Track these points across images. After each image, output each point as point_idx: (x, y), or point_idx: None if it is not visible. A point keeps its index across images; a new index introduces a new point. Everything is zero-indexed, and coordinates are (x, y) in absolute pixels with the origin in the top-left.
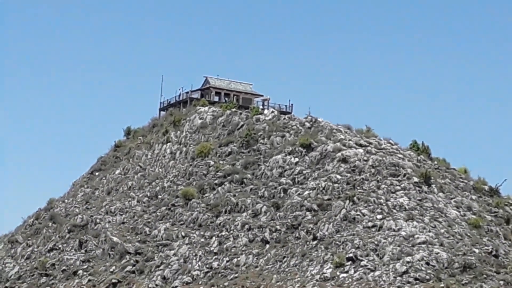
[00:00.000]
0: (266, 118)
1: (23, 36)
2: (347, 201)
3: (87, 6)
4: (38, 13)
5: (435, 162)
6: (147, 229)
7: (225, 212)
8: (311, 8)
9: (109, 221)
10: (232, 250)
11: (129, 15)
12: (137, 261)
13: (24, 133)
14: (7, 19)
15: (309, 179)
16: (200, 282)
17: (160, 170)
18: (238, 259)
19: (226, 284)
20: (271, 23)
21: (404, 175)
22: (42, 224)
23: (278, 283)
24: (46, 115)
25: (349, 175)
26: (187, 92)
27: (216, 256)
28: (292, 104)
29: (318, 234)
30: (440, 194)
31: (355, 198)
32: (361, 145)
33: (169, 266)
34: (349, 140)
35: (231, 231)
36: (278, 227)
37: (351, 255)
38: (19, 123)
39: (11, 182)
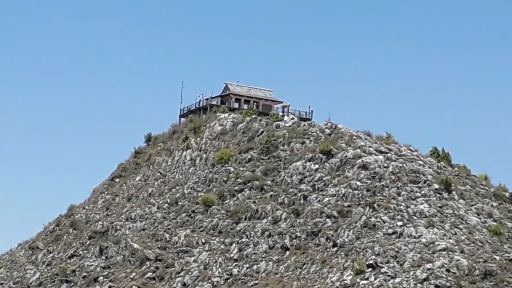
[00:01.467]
0: (286, 125)
1: (48, 46)
2: (367, 208)
3: (111, 18)
4: (61, 25)
5: (456, 169)
6: (167, 235)
7: (245, 219)
8: (333, 16)
9: (130, 228)
10: (252, 257)
11: (151, 25)
12: (157, 268)
13: (46, 140)
14: (27, 26)
15: (329, 186)
16: None
17: (180, 176)
18: (258, 265)
19: None
20: (292, 30)
21: (425, 182)
22: (62, 230)
23: None
24: (68, 122)
25: (369, 181)
26: (207, 99)
27: (236, 263)
28: (312, 111)
29: (338, 241)
30: (461, 201)
31: (375, 204)
32: (381, 152)
33: (189, 273)
34: (369, 146)
35: (251, 238)
36: (298, 233)
37: (371, 262)
38: (42, 131)
39: (32, 189)
